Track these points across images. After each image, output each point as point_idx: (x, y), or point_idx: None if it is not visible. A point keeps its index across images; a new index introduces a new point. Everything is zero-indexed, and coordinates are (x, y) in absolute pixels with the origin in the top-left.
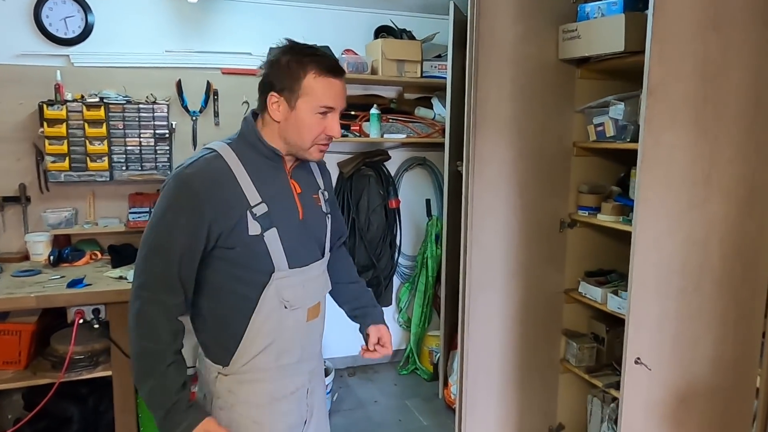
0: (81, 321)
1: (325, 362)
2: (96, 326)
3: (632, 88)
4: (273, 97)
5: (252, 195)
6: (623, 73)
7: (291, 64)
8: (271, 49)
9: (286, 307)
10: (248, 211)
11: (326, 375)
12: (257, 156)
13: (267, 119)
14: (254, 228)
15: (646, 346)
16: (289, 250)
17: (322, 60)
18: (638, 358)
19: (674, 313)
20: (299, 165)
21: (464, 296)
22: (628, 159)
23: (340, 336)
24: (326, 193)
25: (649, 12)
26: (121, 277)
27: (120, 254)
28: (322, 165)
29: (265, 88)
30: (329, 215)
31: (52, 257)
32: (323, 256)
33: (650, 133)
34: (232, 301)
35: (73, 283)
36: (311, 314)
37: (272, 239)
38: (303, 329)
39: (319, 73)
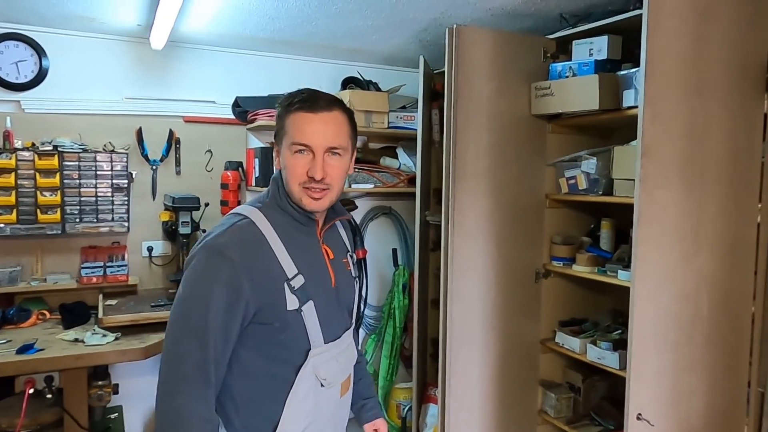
0: (32, 391)
1: None
2: (48, 396)
3: (600, 143)
4: (275, 149)
5: (288, 266)
6: (593, 129)
7: (279, 109)
8: None
9: (323, 386)
10: (285, 284)
11: None
12: (288, 220)
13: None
14: (292, 302)
15: (646, 400)
16: (324, 323)
17: (300, 95)
18: (640, 414)
19: (671, 366)
20: (332, 226)
21: (445, 351)
22: (598, 211)
23: None
24: (353, 255)
25: (640, 75)
26: (76, 340)
27: (72, 313)
28: (348, 225)
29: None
30: (357, 279)
31: None
32: (352, 324)
33: (645, 191)
34: (266, 383)
35: (24, 349)
36: (344, 389)
37: (309, 313)
38: (337, 406)
39: (295, 110)
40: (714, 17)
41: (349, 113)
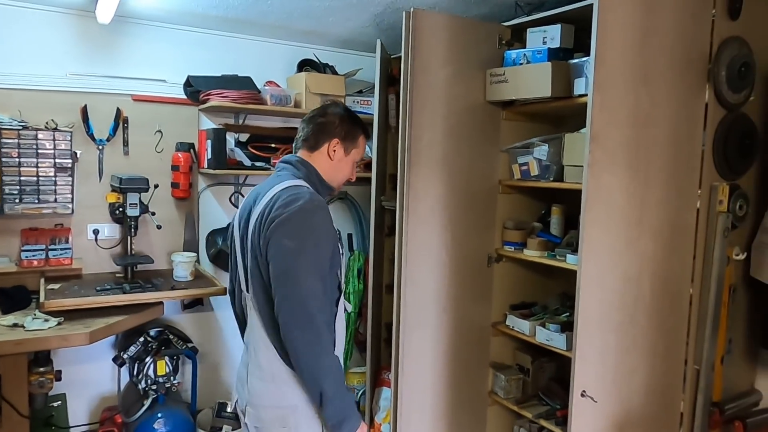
0: None
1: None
2: None
3: (552, 130)
4: (335, 143)
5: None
6: (545, 116)
7: (354, 125)
8: (326, 105)
9: (346, 310)
10: (338, 237)
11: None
12: (325, 198)
13: (318, 159)
14: (341, 248)
15: (590, 378)
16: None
17: (367, 129)
18: (584, 391)
19: (614, 346)
20: None
21: (398, 334)
22: (549, 197)
23: None
24: None
25: (591, 62)
26: (15, 325)
27: (12, 298)
28: None
29: (330, 135)
30: None
31: None
32: None
33: (592, 176)
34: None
35: None
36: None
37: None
38: (341, 325)
39: (365, 138)
40: (660, 9)
41: None
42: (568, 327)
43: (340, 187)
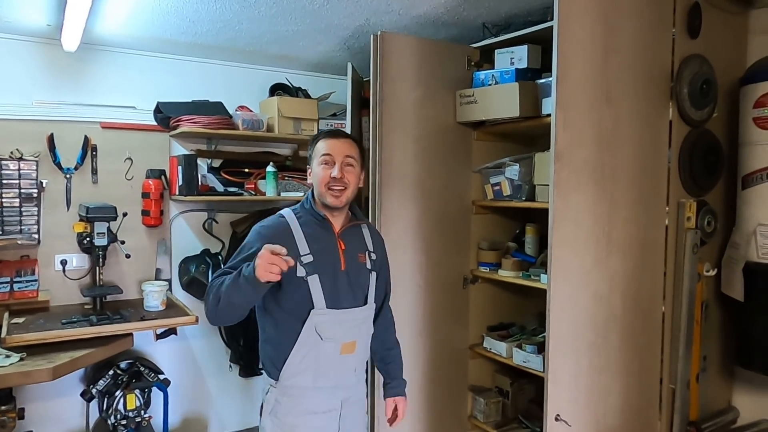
0: None
1: None
2: None
3: (524, 150)
4: (308, 170)
5: (303, 247)
6: (516, 136)
7: (311, 141)
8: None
9: (321, 338)
10: (298, 259)
11: None
12: (313, 220)
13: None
14: (301, 272)
15: (564, 401)
16: (328, 293)
17: (326, 131)
18: (558, 415)
19: (587, 367)
20: (350, 229)
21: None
22: (523, 216)
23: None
24: (374, 254)
25: (553, 81)
26: None
27: None
28: (375, 234)
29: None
30: (373, 272)
31: None
32: (365, 304)
33: (559, 195)
34: (284, 330)
35: None
36: (345, 349)
37: (314, 283)
38: (336, 360)
39: (323, 137)
40: (620, 28)
41: (359, 143)
42: (544, 348)
43: (332, 195)
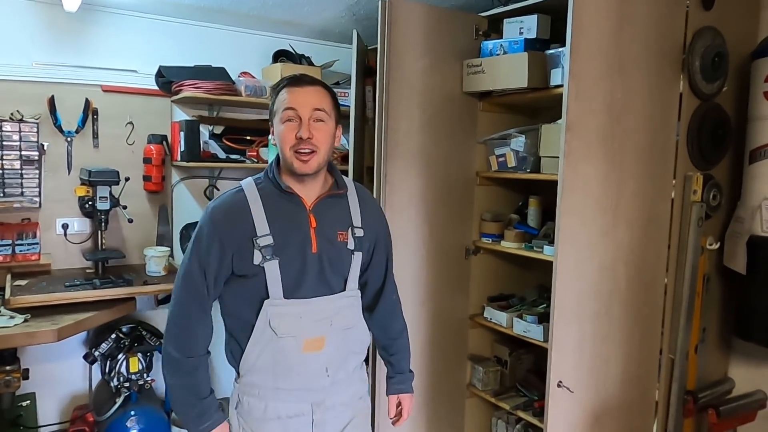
0: None
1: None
2: None
3: (530, 122)
4: (270, 131)
5: (261, 227)
6: (522, 108)
7: (272, 91)
8: None
9: (276, 335)
10: (254, 241)
11: None
12: (277, 191)
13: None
14: (257, 257)
15: (567, 369)
16: (288, 281)
17: (288, 77)
18: (560, 382)
19: (590, 336)
20: (327, 201)
21: None
22: (526, 188)
23: None
24: (360, 230)
25: (566, 50)
26: None
27: None
28: (367, 203)
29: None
30: (356, 252)
31: None
32: (342, 291)
33: (569, 165)
34: (239, 322)
35: None
36: (309, 346)
37: (272, 269)
38: (297, 359)
39: (283, 87)
40: None
41: (332, 91)
42: (545, 318)
43: (299, 160)
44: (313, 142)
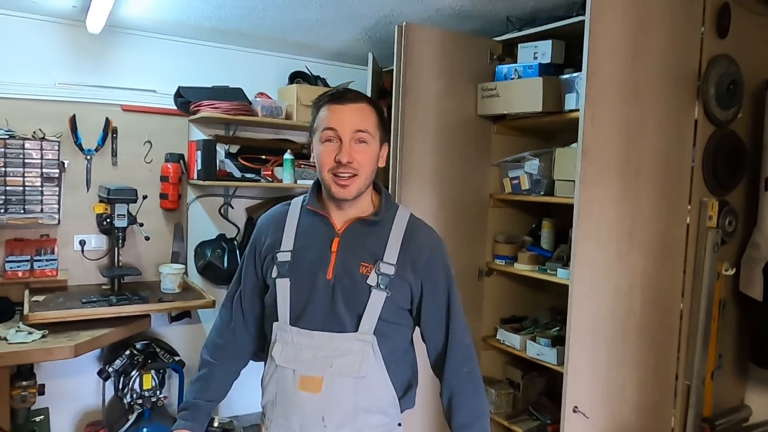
0: None
1: (232, 422)
2: None
3: (543, 145)
4: (310, 146)
5: (286, 242)
6: (535, 131)
7: (313, 108)
8: None
9: (275, 361)
10: (276, 255)
11: None
12: (311, 212)
13: None
14: (274, 271)
15: (582, 393)
16: (297, 305)
17: (329, 91)
18: (576, 407)
19: (605, 360)
20: (362, 226)
21: None
22: (539, 211)
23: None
24: (389, 267)
25: (582, 77)
26: None
27: None
28: (414, 236)
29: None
30: (377, 291)
31: None
32: (353, 331)
33: (584, 190)
34: (265, 341)
35: None
36: (304, 384)
37: (282, 288)
38: (293, 395)
39: (324, 103)
40: (651, 27)
41: (378, 108)
42: (558, 341)
43: (337, 184)
44: (354, 165)
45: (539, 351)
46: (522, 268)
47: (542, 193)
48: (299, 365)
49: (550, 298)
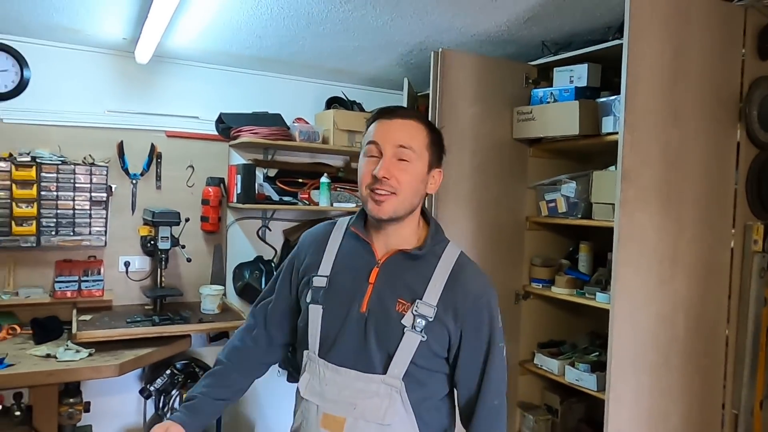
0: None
1: None
2: (17, 413)
3: (578, 167)
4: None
5: (324, 267)
6: (571, 153)
7: (367, 125)
8: None
9: (300, 392)
10: (312, 278)
11: None
12: (354, 235)
13: None
14: (309, 296)
15: (624, 422)
16: (328, 335)
17: (384, 107)
18: None
19: (648, 388)
20: (406, 259)
21: None
22: (576, 234)
23: None
24: (429, 309)
25: (621, 102)
26: (48, 355)
27: (45, 328)
28: (461, 277)
29: None
30: (412, 333)
31: None
32: (381, 373)
33: (625, 214)
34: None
35: None
36: (327, 422)
37: (314, 315)
38: (314, 430)
39: (375, 119)
40: (690, 49)
41: (433, 129)
42: (598, 367)
43: (373, 201)
44: (392, 183)
45: (578, 376)
46: (559, 291)
47: (579, 216)
48: (323, 401)
49: (588, 323)
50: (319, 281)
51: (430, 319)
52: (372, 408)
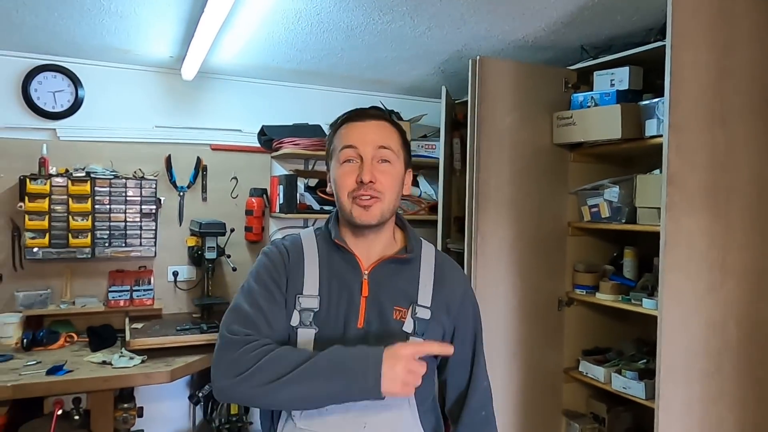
0: (60, 412)
1: None
2: (76, 417)
3: (620, 171)
4: (327, 176)
5: (310, 284)
6: (613, 158)
7: (330, 131)
8: None
9: (291, 417)
10: (297, 299)
11: None
12: (333, 246)
13: None
14: (294, 318)
15: (674, 431)
16: None
17: (347, 112)
18: None
19: (699, 396)
20: (391, 265)
21: None
22: (620, 239)
23: None
24: (425, 311)
25: (665, 105)
26: (104, 362)
27: (100, 336)
28: (446, 273)
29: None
30: (415, 338)
31: (25, 340)
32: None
33: (671, 219)
34: None
35: (54, 370)
36: None
37: (305, 339)
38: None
39: (343, 123)
40: (736, 48)
41: (400, 128)
42: (646, 374)
43: (359, 206)
44: (377, 187)
45: (625, 384)
46: (604, 297)
47: (623, 220)
48: (325, 428)
49: (634, 329)
50: (309, 302)
51: (428, 321)
52: (384, 422)
